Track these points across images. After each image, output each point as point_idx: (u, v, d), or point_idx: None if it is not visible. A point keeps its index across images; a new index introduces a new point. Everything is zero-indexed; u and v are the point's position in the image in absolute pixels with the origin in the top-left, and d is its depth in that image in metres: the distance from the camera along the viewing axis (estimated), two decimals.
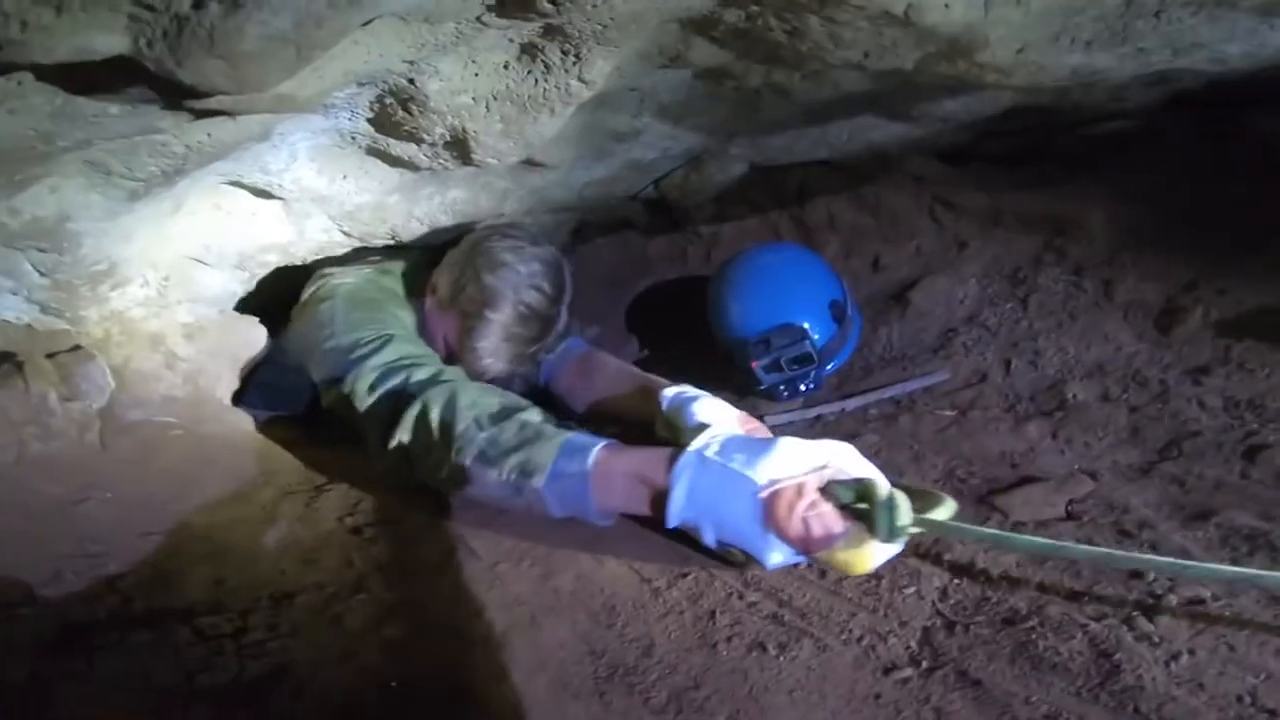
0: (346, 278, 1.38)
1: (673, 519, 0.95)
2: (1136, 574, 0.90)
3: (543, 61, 1.07)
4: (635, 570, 1.01)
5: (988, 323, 1.54)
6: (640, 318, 1.98)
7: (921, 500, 0.90)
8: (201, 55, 0.71)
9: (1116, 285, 1.45)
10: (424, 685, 0.81)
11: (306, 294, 1.38)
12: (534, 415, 1.07)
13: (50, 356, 1.11)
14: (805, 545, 0.88)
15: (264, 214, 1.28)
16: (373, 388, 1.15)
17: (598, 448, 1.00)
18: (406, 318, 1.36)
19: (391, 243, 1.49)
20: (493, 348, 1.33)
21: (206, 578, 0.96)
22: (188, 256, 1.24)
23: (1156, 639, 0.80)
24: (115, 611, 0.88)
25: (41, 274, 1.05)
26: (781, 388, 1.51)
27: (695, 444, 0.96)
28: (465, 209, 1.46)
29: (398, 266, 1.47)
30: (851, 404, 1.45)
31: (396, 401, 1.12)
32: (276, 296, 1.47)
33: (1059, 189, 1.63)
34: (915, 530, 0.87)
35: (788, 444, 0.92)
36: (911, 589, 0.93)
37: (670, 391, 1.16)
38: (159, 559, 0.98)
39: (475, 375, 1.29)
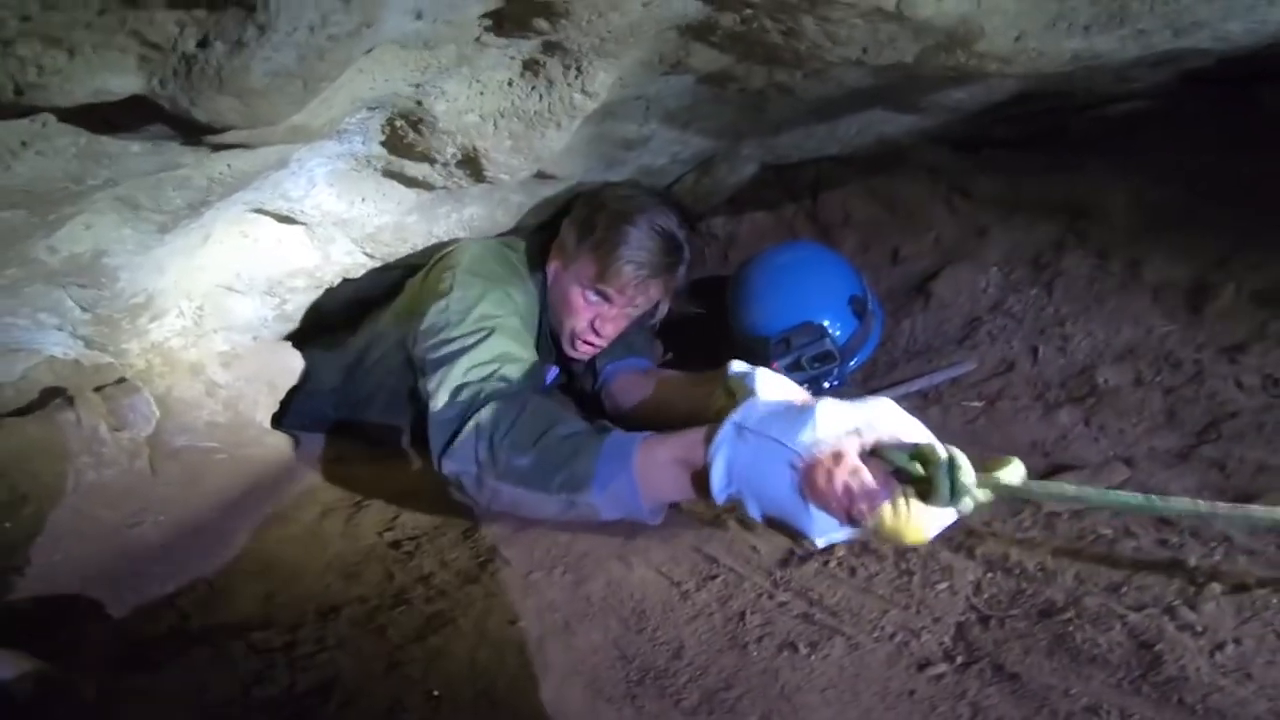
0: (473, 246, 1.39)
1: (718, 495, 0.91)
2: (1177, 562, 0.86)
3: (545, 77, 1.07)
4: (664, 574, 1.00)
5: (1012, 310, 1.50)
6: (661, 321, 1.96)
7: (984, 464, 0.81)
8: (213, 93, 0.72)
9: (1143, 265, 1.40)
10: (465, 693, 0.82)
11: (431, 262, 1.40)
12: (567, 427, 1.05)
13: (98, 390, 1.14)
14: (850, 515, 0.81)
15: (289, 240, 1.30)
16: (450, 398, 1.14)
17: (637, 443, 0.98)
18: (520, 297, 1.36)
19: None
20: (635, 269, 1.36)
21: (257, 594, 0.98)
22: (220, 285, 1.26)
23: (1200, 628, 0.76)
24: (174, 628, 0.91)
25: (83, 309, 1.08)
26: (805, 386, 1.48)
27: (733, 415, 0.91)
28: (483, 225, 1.47)
29: (521, 244, 1.50)
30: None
31: (459, 420, 1.11)
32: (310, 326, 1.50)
33: (1076, 172, 1.58)
34: (980, 493, 0.78)
35: (827, 407, 0.85)
36: (944, 584, 0.90)
37: (739, 364, 1.10)
38: (211, 577, 1.01)
39: (624, 294, 1.37)
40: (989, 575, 0.90)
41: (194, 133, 0.82)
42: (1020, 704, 0.73)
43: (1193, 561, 0.85)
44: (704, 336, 1.75)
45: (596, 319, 1.41)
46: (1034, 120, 1.57)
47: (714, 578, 0.98)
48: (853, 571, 0.94)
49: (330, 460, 1.34)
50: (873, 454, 0.83)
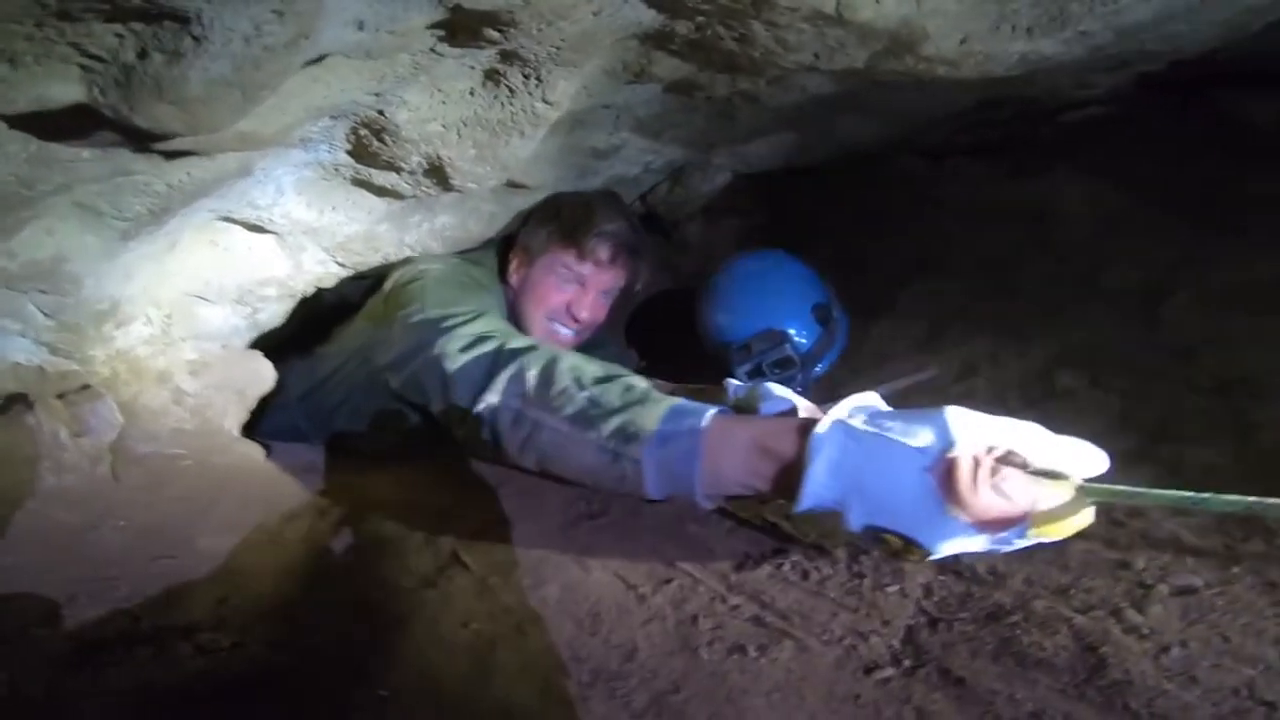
0: (434, 264, 1.33)
1: (807, 499, 0.78)
2: (1125, 564, 0.84)
3: (506, 86, 1.06)
4: (621, 578, 0.98)
5: (974, 316, 1.48)
6: (636, 330, 1.95)
7: None
8: (152, 101, 0.72)
9: (1101, 271, 1.39)
10: (412, 692, 0.79)
11: (389, 282, 1.33)
12: (641, 381, 0.94)
13: (60, 396, 1.12)
14: (997, 520, 0.70)
15: (260, 248, 1.27)
16: (465, 349, 1.05)
17: (713, 411, 0.85)
18: (496, 306, 1.30)
19: None
20: (609, 239, 1.34)
21: (211, 598, 0.95)
22: (189, 294, 1.24)
23: (1146, 631, 0.74)
24: (123, 630, 0.89)
25: (46, 315, 1.06)
26: None
27: (834, 413, 0.79)
28: (455, 234, 1.45)
29: (484, 258, 1.46)
30: None
31: (492, 363, 1.02)
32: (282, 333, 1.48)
33: (1038, 178, 1.57)
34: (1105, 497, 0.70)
35: (956, 412, 0.75)
36: (895, 587, 0.88)
37: (737, 381, 1.02)
38: (167, 581, 0.98)
39: (597, 258, 1.34)
40: (940, 578, 0.87)
41: (140, 139, 0.81)
42: (964, 709, 0.70)
43: (1141, 564, 0.83)
44: (677, 347, 1.74)
45: (571, 304, 1.38)
46: (998, 128, 1.56)
47: (670, 581, 0.96)
48: (805, 575, 0.92)
49: (299, 469, 1.31)
50: (1002, 460, 0.74)
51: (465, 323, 1.12)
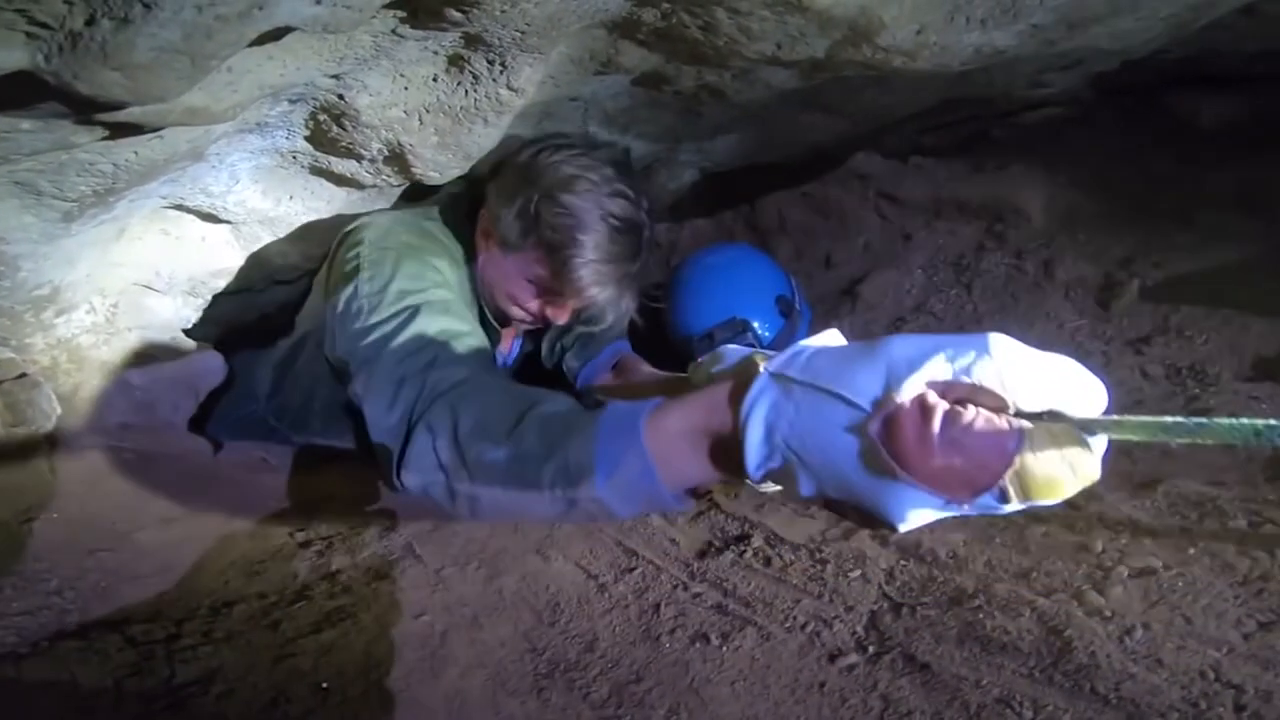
0: (379, 218, 1.12)
1: (754, 471, 0.63)
2: (1084, 547, 0.82)
3: (470, 72, 1.01)
4: (582, 567, 0.93)
5: (934, 309, 1.47)
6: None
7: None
8: (97, 67, 0.66)
9: (1056, 265, 1.39)
10: (357, 685, 0.74)
11: (333, 246, 1.14)
12: (550, 405, 0.80)
13: None
14: (962, 482, 0.50)
15: (213, 239, 1.20)
16: (391, 396, 0.89)
17: (645, 413, 0.71)
18: (446, 266, 1.08)
19: None
20: (594, 274, 1.09)
21: (146, 591, 0.89)
22: (137, 283, 1.16)
23: (1108, 613, 0.72)
24: (49, 623, 0.82)
25: None
26: None
27: (770, 364, 0.64)
28: None
29: (436, 212, 1.21)
30: None
31: (407, 419, 0.87)
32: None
33: (996, 177, 1.57)
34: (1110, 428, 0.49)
35: (899, 343, 0.56)
36: (857, 572, 0.85)
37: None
38: (100, 574, 0.91)
39: (581, 300, 1.12)
40: (902, 563, 0.84)
41: (82, 109, 0.75)
42: (931, 695, 0.67)
43: (1100, 546, 0.81)
44: (648, 342, 1.70)
45: (549, 310, 1.17)
46: (958, 129, 1.56)
47: (632, 570, 0.91)
48: (768, 561, 0.88)
49: (249, 465, 1.24)
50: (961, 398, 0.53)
51: (394, 334, 0.94)
